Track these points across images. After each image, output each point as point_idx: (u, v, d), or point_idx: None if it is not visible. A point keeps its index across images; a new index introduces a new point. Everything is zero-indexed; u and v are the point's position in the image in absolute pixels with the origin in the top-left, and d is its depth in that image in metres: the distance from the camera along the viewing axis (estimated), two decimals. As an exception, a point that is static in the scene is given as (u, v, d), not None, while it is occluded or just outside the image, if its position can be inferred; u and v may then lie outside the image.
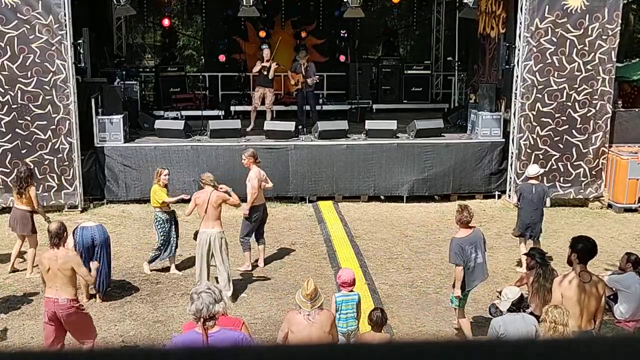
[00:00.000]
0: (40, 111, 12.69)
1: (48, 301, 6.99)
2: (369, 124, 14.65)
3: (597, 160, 13.77)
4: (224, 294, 5.07)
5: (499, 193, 14.31)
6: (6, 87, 12.56)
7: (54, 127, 12.76)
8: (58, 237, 7.04)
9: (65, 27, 12.46)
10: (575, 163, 13.74)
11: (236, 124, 14.83)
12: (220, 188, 9.14)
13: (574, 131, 13.63)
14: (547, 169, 13.63)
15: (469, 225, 7.79)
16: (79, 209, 13.11)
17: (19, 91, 12.59)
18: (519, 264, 10.13)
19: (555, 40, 13.23)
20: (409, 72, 18.99)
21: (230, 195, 9.14)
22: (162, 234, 9.93)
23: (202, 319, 4.79)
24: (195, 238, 9.29)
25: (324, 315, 6.17)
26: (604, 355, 1.09)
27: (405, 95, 18.88)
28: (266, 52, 15.33)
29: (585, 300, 6.23)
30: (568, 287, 6.28)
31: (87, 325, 7.20)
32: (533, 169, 10.72)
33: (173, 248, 10.03)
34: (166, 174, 10.05)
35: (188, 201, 9.50)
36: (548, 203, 10.34)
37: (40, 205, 10.17)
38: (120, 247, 11.17)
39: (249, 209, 10.03)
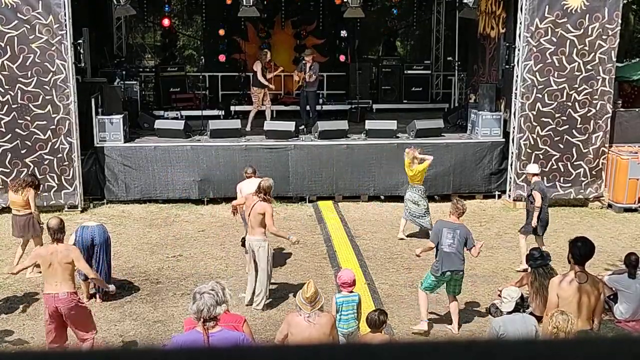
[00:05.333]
0: (40, 111, 12.69)
1: (48, 297, 6.97)
2: (369, 124, 14.65)
3: (597, 160, 13.77)
4: (227, 292, 5.05)
5: (499, 193, 14.31)
6: (6, 87, 12.56)
7: (53, 127, 12.76)
8: (61, 232, 7.07)
9: (65, 27, 12.46)
10: (575, 163, 13.74)
11: (236, 124, 14.84)
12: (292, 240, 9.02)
13: (574, 131, 13.63)
14: (547, 169, 13.63)
15: (459, 217, 8.25)
16: (79, 209, 13.11)
17: (19, 91, 12.59)
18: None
19: (555, 40, 13.23)
20: (409, 72, 19.01)
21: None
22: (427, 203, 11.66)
23: (202, 319, 4.80)
24: (243, 244, 9.17)
25: (324, 318, 6.15)
26: (604, 355, 1.09)
27: (405, 95, 18.89)
28: (268, 56, 15.72)
29: (581, 301, 6.21)
30: (564, 287, 6.27)
31: (87, 318, 7.20)
32: (535, 167, 10.81)
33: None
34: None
35: None
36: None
37: (36, 210, 10.04)
38: (121, 247, 11.17)
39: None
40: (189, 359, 1.11)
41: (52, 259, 6.94)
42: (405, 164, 11.58)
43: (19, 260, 10.15)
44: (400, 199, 14.05)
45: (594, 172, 13.80)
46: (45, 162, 12.87)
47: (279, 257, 10.84)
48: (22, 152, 12.78)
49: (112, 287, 8.38)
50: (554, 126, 13.58)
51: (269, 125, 14.53)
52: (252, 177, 10.15)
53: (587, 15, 13.16)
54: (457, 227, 8.09)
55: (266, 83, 15.39)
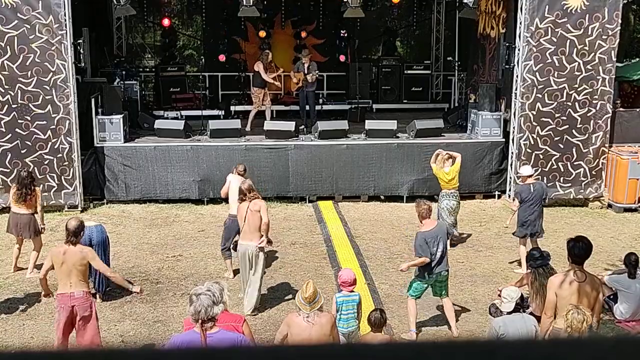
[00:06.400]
0: (40, 111, 12.69)
1: (63, 297, 6.84)
2: (369, 124, 14.66)
3: (597, 160, 13.76)
4: (225, 293, 5.05)
5: (499, 193, 14.31)
6: (6, 87, 12.56)
7: (53, 127, 12.76)
8: (75, 235, 6.93)
9: (65, 27, 12.46)
10: (575, 163, 13.74)
11: (236, 124, 14.84)
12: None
13: (574, 131, 13.63)
14: (547, 169, 13.63)
15: (427, 219, 7.96)
16: (79, 208, 13.10)
17: (19, 91, 12.59)
18: (519, 264, 10.13)
19: (555, 40, 13.23)
20: (409, 72, 19.00)
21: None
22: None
23: (200, 321, 4.80)
24: (235, 249, 9.15)
25: (324, 318, 6.15)
26: (604, 355, 1.08)
27: (405, 95, 18.89)
28: (270, 57, 15.81)
29: (580, 300, 6.20)
30: (562, 286, 6.26)
31: (95, 323, 7.13)
32: (527, 170, 10.74)
33: None
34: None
35: None
36: (546, 200, 10.35)
37: (41, 207, 10.04)
38: (120, 247, 11.17)
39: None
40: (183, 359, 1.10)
41: (64, 259, 6.81)
42: (435, 170, 11.02)
43: (17, 260, 10.14)
44: (400, 199, 14.07)
45: (594, 172, 13.80)
46: (45, 162, 12.87)
47: (279, 257, 10.84)
48: (22, 152, 12.78)
49: (136, 288, 7.43)
50: (554, 126, 13.58)
51: (269, 125, 14.53)
52: (241, 176, 10.04)
53: (587, 15, 13.16)
54: (437, 233, 7.90)
55: (271, 80, 15.51)
